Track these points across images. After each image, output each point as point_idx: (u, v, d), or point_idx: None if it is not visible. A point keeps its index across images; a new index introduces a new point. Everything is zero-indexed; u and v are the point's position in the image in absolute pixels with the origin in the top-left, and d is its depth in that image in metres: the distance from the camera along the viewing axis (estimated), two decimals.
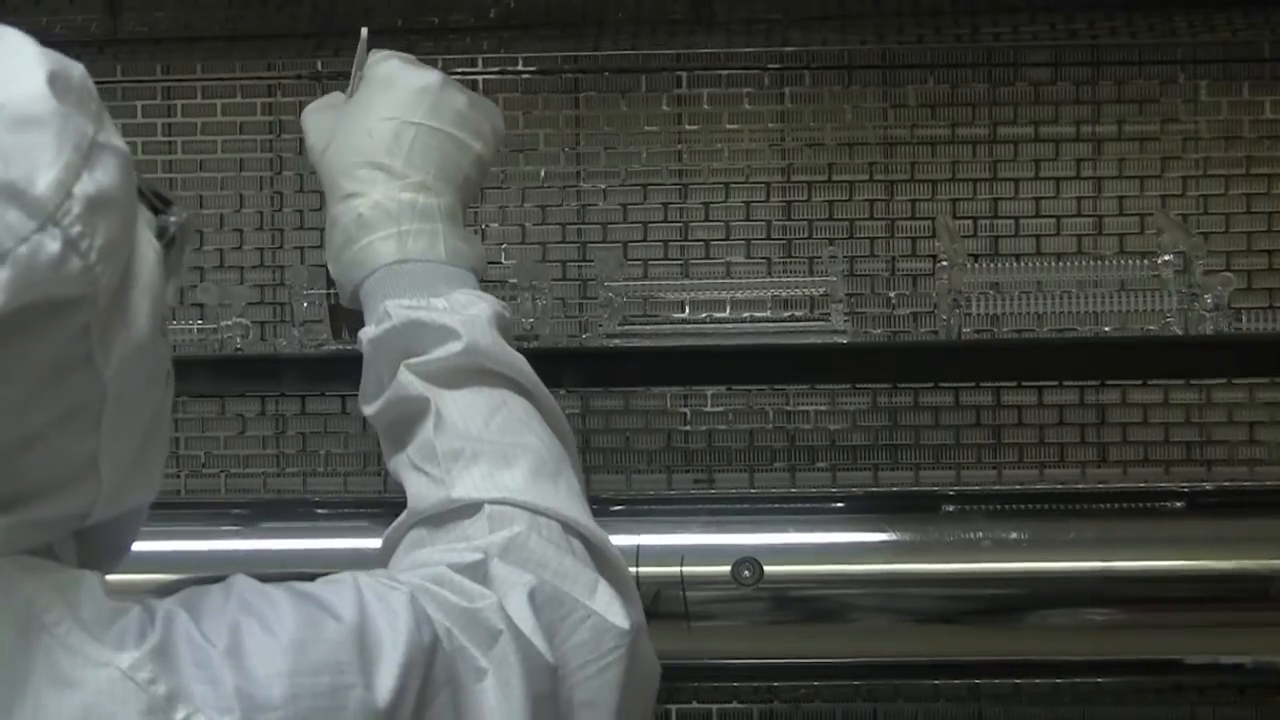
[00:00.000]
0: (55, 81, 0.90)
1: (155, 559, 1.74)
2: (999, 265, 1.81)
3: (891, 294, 1.99)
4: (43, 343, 0.86)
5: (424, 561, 1.08)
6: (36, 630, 0.88)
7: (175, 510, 1.83)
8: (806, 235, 2.00)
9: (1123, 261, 1.81)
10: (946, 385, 1.97)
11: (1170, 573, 1.69)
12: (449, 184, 1.29)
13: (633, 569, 1.67)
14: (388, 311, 1.22)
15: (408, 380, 1.20)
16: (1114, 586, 1.68)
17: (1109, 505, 1.76)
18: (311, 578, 0.99)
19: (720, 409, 2.00)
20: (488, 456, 1.16)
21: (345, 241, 1.26)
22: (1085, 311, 1.69)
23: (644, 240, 2.01)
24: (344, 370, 1.74)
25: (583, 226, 2.02)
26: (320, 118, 1.35)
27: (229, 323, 1.78)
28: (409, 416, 1.20)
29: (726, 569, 1.68)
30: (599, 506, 1.79)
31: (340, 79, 2.01)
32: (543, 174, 2.02)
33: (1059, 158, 1.98)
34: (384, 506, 1.84)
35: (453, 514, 1.15)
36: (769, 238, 2.00)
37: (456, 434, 1.17)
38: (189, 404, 2.03)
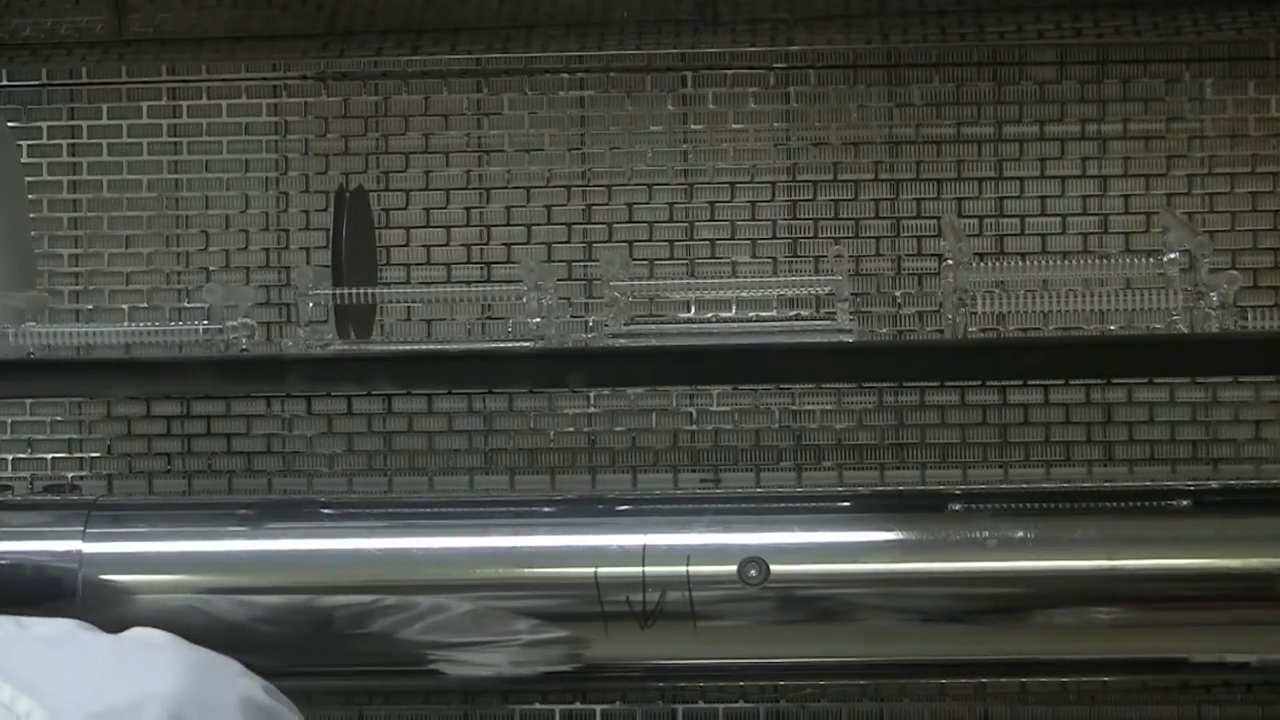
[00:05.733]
0: None
1: (161, 560, 1.74)
2: (1004, 264, 1.81)
3: (897, 293, 1.99)
4: None
5: None
6: None
7: (181, 510, 1.83)
8: (812, 235, 2.00)
9: (1128, 260, 1.81)
10: (952, 384, 1.97)
11: (1176, 571, 1.69)
12: None
13: (639, 568, 1.69)
14: None
15: None
16: (1120, 585, 1.68)
17: (1115, 504, 1.76)
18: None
19: (726, 408, 2.00)
20: None
21: None
22: (1091, 310, 1.68)
23: (650, 240, 2.01)
24: (349, 371, 1.76)
25: (588, 226, 2.02)
26: None
27: (234, 323, 1.78)
28: None
29: (733, 568, 1.68)
30: (605, 506, 1.81)
31: (345, 80, 2.04)
32: (548, 174, 2.02)
33: (1064, 156, 1.98)
34: (390, 506, 1.85)
35: None
36: (774, 237, 2.00)
37: None
38: (194, 405, 2.03)
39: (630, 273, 1.84)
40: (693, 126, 2.01)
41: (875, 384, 1.97)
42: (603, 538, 1.73)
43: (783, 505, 1.79)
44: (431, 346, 1.90)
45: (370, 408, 2.03)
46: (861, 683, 1.94)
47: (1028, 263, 1.85)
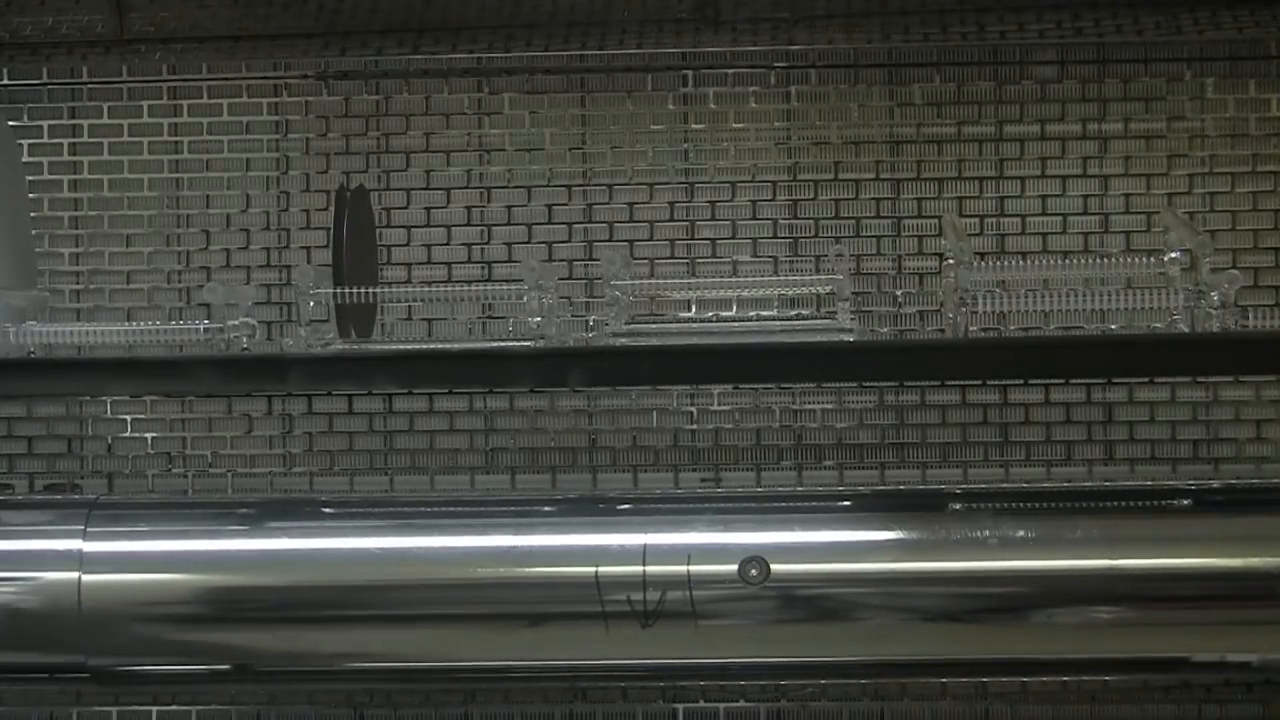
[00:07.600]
0: None
1: (162, 559, 1.74)
2: (1005, 263, 1.80)
3: (898, 292, 1.99)
4: None
5: None
6: None
7: (182, 510, 1.82)
8: (813, 234, 2.00)
9: (1129, 259, 1.81)
10: (953, 384, 1.97)
11: (1177, 571, 1.69)
12: None
13: (639, 568, 1.69)
14: None
15: None
16: (1121, 584, 1.68)
17: (1116, 503, 1.75)
18: None
19: (727, 407, 2.00)
20: None
21: None
22: (1092, 309, 1.68)
23: (650, 239, 2.01)
24: (350, 370, 1.76)
25: (589, 226, 2.02)
26: None
27: (235, 322, 1.78)
28: None
29: (734, 568, 1.68)
30: (606, 505, 1.81)
31: (346, 79, 2.04)
32: (549, 173, 2.02)
33: (1065, 155, 1.98)
34: (391, 506, 1.85)
35: None
36: (775, 236, 2.00)
37: None
38: (196, 404, 2.03)
39: (631, 272, 1.84)
40: (693, 126, 2.01)
41: (876, 383, 1.97)
42: (603, 537, 1.73)
43: (783, 504, 1.79)
44: (432, 346, 1.90)
45: (370, 407, 2.03)
46: (862, 682, 1.94)
47: (1029, 262, 1.84)
